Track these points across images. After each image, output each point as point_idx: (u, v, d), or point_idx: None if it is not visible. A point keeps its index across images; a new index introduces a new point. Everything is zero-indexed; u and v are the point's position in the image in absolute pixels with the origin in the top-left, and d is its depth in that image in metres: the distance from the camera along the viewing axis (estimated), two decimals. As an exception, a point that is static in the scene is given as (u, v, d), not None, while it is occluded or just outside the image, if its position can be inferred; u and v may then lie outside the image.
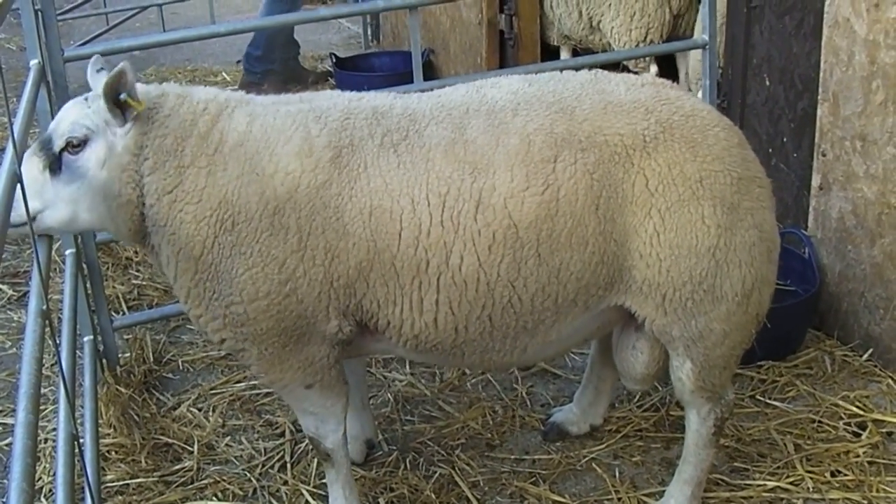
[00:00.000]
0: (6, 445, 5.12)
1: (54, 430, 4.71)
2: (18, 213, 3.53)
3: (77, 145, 3.82)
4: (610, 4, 8.72)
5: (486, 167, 3.76)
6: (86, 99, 3.94)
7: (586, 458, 4.87)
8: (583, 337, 4.28)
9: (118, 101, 3.77)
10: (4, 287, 6.92)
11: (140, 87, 3.87)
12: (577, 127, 3.83)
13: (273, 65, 10.87)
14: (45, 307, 3.42)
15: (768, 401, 5.19)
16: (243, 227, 3.73)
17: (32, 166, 3.82)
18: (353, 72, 10.96)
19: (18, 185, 3.42)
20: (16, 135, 3.66)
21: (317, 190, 3.73)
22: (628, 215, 3.81)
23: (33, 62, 4.86)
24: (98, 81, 3.99)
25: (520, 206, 3.73)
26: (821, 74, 5.53)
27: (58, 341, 4.45)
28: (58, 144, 3.83)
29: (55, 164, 3.83)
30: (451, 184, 3.74)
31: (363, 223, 3.72)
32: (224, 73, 12.32)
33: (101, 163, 3.84)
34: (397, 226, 3.72)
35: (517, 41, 9.17)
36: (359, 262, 3.75)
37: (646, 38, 8.46)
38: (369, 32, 13.44)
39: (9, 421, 5.32)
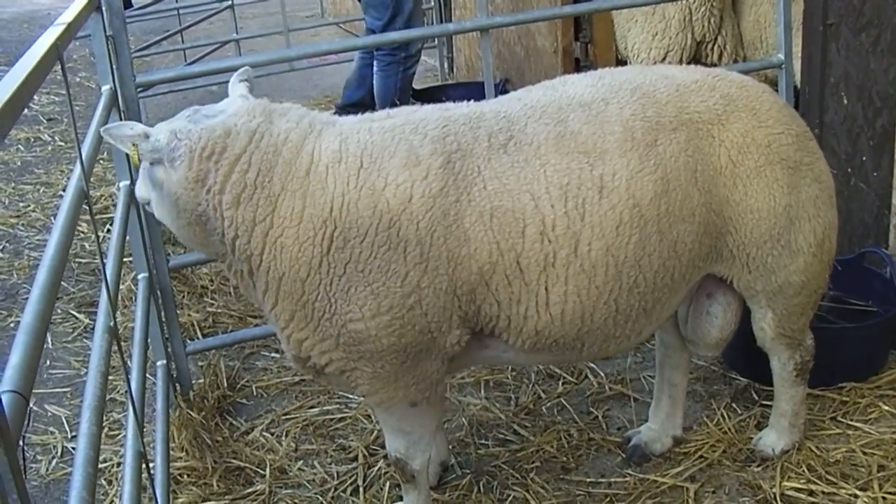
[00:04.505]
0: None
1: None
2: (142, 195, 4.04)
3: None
4: (636, 20, 8.80)
5: (600, 155, 3.88)
6: (196, 111, 3.97)
7: (663, 481, 4.76)
8: (671, 313, 4.40)
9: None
10: (80, 315, 6.99)
11: (204, 123, 3.86)
12: (663, 109, 4.04)
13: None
14: (112, 324, 3.41)
15: (850, 422, 5.04)
16: (356, 242, 3.68)
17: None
18: (430, 103, 10.92)
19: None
20: (84, 157, 3.66)
21: (433, 199, 3.70)
22: (720, 187, 4.06)
23: (105, 87, 4.89)
24: (238, 90, 4.12)
25: (640, 186, 3.88)
26: (899, 89, 5.42)
27: (128, 362, 4.45)
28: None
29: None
30: (570, 174, 3.82)
31: (484, 226, 3.73)
32: (302, 108, 12.30)
33: (163, 183, 3.87)
34: (521, 224, 3.76)
35: (593, 69, 9.10)
36: (481, 266, 3.75)
37: (664, 58, 8.55)
38: (446, 66, 13.47)
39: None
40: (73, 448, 5.36)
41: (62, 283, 6.86)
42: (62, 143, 11.70)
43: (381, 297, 3.71)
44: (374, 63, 10.03)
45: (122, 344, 3.53)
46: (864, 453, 4.79)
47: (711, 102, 4.10)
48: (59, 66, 3.36)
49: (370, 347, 3.80)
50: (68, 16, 4.01)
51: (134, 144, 3.84)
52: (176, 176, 3.80)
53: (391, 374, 3.90)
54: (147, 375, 4.75)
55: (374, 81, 10.09)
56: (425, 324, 3.78)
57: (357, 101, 10.29)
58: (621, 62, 9.49)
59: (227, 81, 4.24)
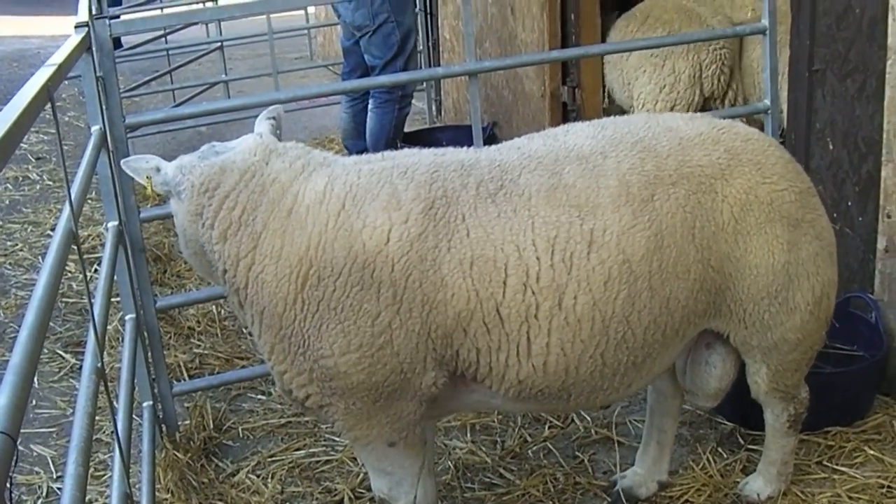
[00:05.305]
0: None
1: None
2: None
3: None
4: (644, 70, 8.82)
5: (592, 209, 3.84)
6: (211, 146, 4.17)
7: (649, 525, 4.77)
8: (667, 366, 4.37)
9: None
10: (67, 355, 6.96)
11: (210, 160, 4.04)
12: (664, 163, 3.99)
13: None
14: (99, 364, 3.41)
15: (836, 466, 5.05)
16: (330, 281, 3.72)
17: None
18: (418, 146, 10.92)
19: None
20: (73, 197, 3.67)
21: (411, 243, 3.72)
22: (721, 243, 4.00)
23: (95, 128, 4.90)
24: (262, 127, 4.28)
25: (632, 243, 3.82)
26: (884, 135, 5.46)
27: (114, 402, 4.44)
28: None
29: None
30: (559, 227, 3.78)
31: (463, 274, 3.72)
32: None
33: (176, 214, 4.12)
34: (502, 274, 3.73)
35: (580, 113, 9.16)
36: (457, 312, 3.74)
37: (670, 111, 8.55)
38: (433, 108, 13.52)
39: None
40: (59, 488, 5.34)
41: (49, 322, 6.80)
42: (50, 182, 11.70)
43: (352, 336, 3.74)
44: (370, 101, 9.99)
45: (109, 384, 3.53)
46: (850, 498, 4.80)
47: (715, 157, 4.06)
48: (50, 107, 3.38)
49: (340, 384, 3.83)
50: (59, 56, 4.04)
51: (148, 177, 4.08)
52: (183, 208, 4.02)
53: (363, 411, 3.92)
54: (133, 416, 4.74)
55: (369, 119, 10.01)
56: (396, 364, 3.79)
57: (363, 150, 10.23)
58: (612, 104, 9.57)
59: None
